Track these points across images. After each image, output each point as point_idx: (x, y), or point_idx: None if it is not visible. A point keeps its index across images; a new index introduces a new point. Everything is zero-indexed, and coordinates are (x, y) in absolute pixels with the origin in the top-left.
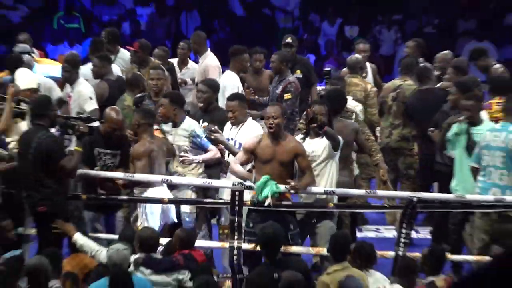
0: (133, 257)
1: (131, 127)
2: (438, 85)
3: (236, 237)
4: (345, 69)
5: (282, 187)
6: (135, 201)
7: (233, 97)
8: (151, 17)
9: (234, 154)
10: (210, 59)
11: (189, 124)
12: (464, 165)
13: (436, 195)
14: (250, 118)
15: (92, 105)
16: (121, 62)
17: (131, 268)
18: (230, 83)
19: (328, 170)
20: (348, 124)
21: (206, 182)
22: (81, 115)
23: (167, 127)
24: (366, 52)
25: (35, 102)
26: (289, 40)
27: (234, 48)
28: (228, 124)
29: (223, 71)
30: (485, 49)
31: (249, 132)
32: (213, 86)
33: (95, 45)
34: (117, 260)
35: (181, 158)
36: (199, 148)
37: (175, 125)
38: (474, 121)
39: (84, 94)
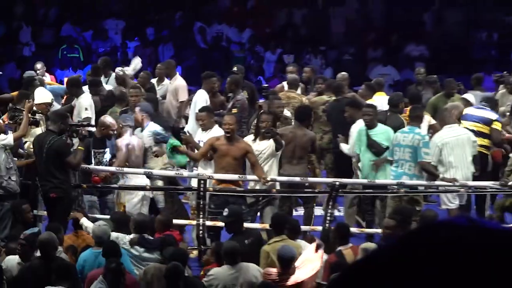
0: (128, 237)
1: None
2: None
3: (201, 216)
4: (279, 85)
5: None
6: (124, 188)
7: (203, 109)
8: (136, 49)
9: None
10: (179, 81)
11: (152, 127)
12: (367, 159)
13: (353, 180)
14: (216, 125)
15: (86, 114)
16: (112, 83)
17: (127, 246)
18: (200, 99)
19: (271, 165)
20: (307, 133)
21: (178, 173)
22: (82, 122)
23: (138, 133)
24: (294, 73)
25: (51, 113)
26: (235, 69)
27: (205, 73)
28: (199, 129)
29: (191, 90)
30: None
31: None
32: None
33: (94, 70)
34: (98, 233)
35: (154, 153)
36: (161, 142)
37: (142, 129)
38: (372, 125)
39: (82, 105)
